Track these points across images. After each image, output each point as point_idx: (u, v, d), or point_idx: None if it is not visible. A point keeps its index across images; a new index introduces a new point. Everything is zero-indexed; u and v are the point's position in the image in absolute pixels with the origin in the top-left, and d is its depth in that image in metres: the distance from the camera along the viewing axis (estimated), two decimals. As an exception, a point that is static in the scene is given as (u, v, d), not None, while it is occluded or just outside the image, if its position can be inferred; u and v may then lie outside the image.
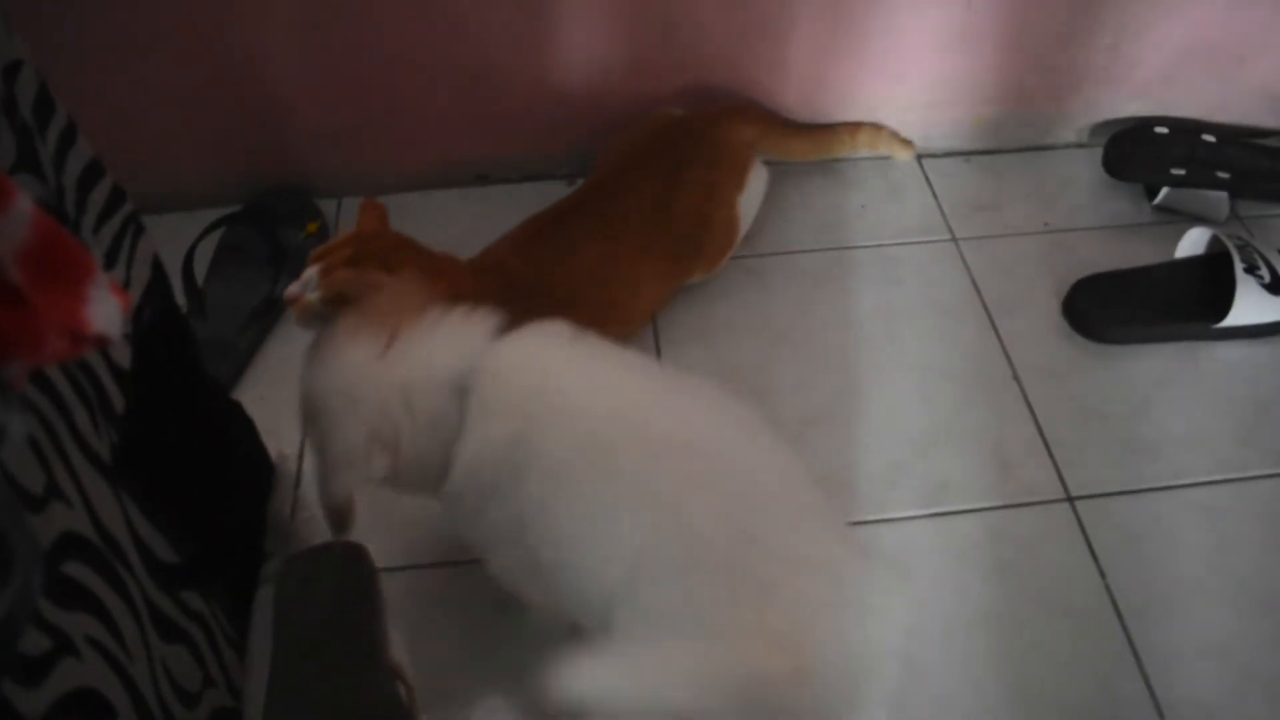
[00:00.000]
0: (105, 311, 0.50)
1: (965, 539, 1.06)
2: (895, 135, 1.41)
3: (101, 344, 0.51)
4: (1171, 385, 1.19)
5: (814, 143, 1.38)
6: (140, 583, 0.71)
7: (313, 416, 0.82)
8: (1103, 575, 1.03)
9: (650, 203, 1.18)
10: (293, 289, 0.94)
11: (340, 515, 0.82)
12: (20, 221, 0.47)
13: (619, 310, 1.16)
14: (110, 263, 0.78)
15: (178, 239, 1.22)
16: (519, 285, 1.10)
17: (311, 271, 0.95)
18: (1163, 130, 1.38)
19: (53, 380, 0.64)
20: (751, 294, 1.27)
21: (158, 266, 0.87)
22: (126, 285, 0.80)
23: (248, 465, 0.99)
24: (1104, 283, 1.25)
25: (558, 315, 1.08)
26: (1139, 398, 1.17)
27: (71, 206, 0.73)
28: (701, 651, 0.70)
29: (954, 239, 1.34)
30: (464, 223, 1.17)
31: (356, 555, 0.80)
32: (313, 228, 1.32)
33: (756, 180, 1.27)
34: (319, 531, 0.96)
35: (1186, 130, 1.38)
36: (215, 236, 1.28)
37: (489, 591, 0.96)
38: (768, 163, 1.30)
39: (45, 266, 0.48)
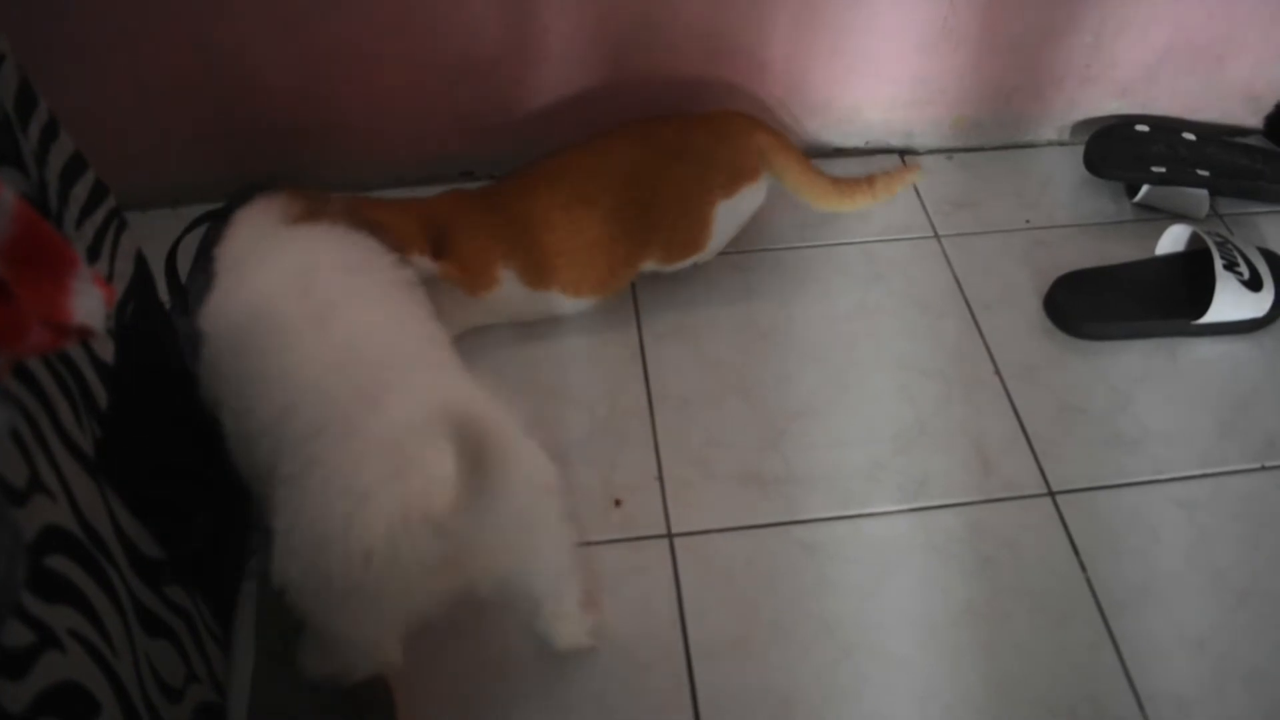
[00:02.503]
0: (88, 303, 0.50)
1: (947, 534, 1.06)
2: (899, 172, 1.28)
3: (84, 336, 0.51)
4: (1151, 381, 1.19)
5: (835, 185, 1.26)
6: (124, 577, 0.71)
7: None
8: (1083, 569, 1.04)
9: (634, 170, 1.17)
10: None
11: None
12: (2, 214, 0.47)
13: (565, 262, 1.15)
14: (93, 258, 0.78)
15: (161, 235, 1.21)
16: (482, 207, 1.16)
17: None
18: (1143, 128, 1.39)
19: (35, 374, 0.64)
20: (735, 290, 1.28)
21: (141, 262, 0.87)
22: (109, 280, 0.81)
23: (231, 460, 0.99)
24: (1085, 279, 1.26)
25: (507, 246, 1.14)
26: (1119, 393, 1.18)
27: (54, 201, 0.73)
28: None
29: (936, 236, 1.35)
30: (448, 219, 1.18)
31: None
32: (296, 224, 1.31)
33: (749, 196, 1.22)
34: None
35: (1167, 128, 1.39)
36: (199, 233, 1.27)
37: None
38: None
39: (28, 258, 0.48)
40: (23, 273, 0.47)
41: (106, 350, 0.76)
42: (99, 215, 0.79)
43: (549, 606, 0.93)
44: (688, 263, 1.24)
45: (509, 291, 1.15)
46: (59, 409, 0.66)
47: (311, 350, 0.81)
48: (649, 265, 1.22)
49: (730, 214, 1.22)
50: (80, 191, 0.77)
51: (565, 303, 1.19)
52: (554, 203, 1.15)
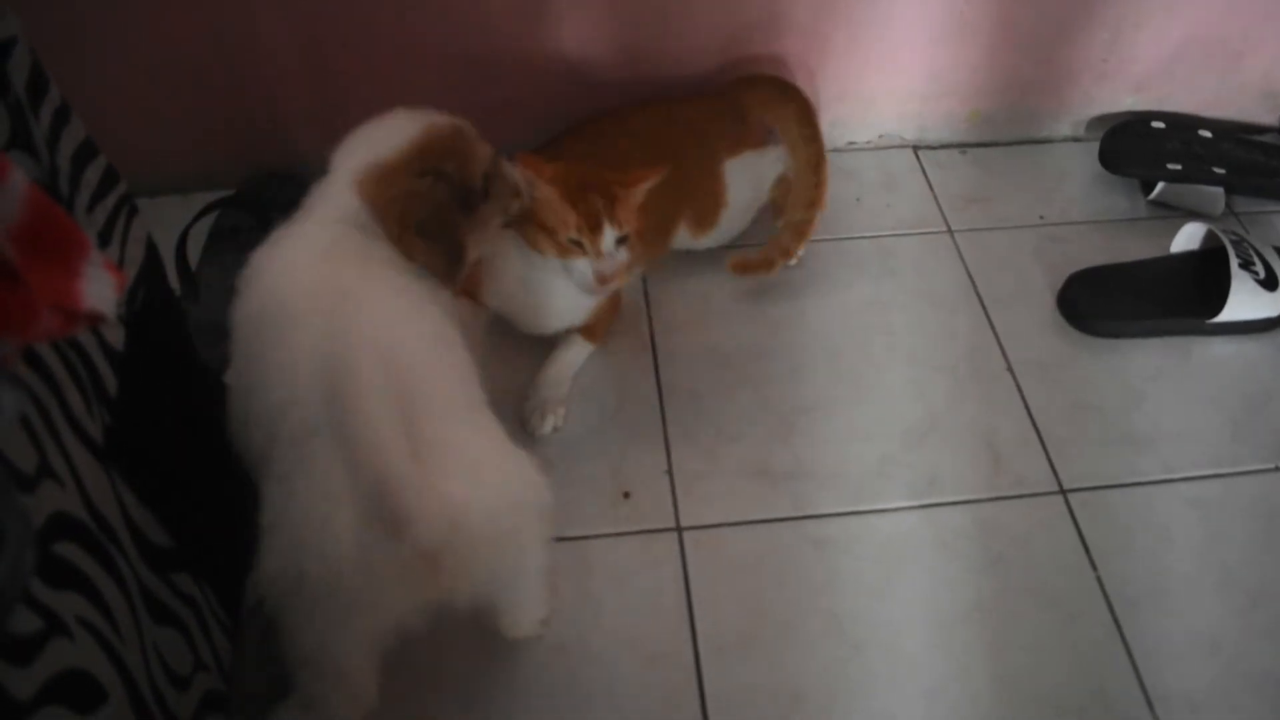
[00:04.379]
0: (99, 288, 0.50)
1: (957, 530, 1.06)
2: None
3: (94, 321, 0.51)
4: (1164, 380, 1.19)
5: (819, 169, 1.26)
6: (132, 564, 0.71)
7: None
8: (1094, 568, 1.03)
9: (664, 136, 1.21)
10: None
11: None
12: (12, 197, 0.47)
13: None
14: (104, 243, 0.78)
15: (171, 222, 1.21)
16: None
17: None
18: (1159, 125, 1.38)
19: (46, 360, 0.64)
20: (746, 284, 1.27)
21: (151, 248, 0.87)
22: (120, 266, 0.80)
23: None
24: (1099, 276, 1.25)
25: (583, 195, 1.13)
26: (1132, 392, 1.18)
27: (65, 185, 0.72)
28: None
29: (949, 231, 1.34)
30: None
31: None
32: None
33: (756, 159, 1.26)
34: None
35: (1183, 126, 1.38)
36: (209, 220, 1.27)
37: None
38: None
39: (38, 243, 0.48)
40: (33, 257, 0.47)
41: (116, 337, 0.76)
42: (110, 201, 0.79)
43: (510, 611, 0.94)
44: (717, 230, 1.25)
45: None
46: (69, 396, 0.66)
47: (315, 344, 0.77)
48: (682, 234, 1.23)
49: (740, 173, 1.24)
50: (91, 177, 0.77)
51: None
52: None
